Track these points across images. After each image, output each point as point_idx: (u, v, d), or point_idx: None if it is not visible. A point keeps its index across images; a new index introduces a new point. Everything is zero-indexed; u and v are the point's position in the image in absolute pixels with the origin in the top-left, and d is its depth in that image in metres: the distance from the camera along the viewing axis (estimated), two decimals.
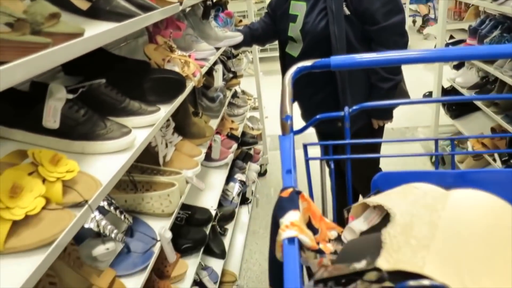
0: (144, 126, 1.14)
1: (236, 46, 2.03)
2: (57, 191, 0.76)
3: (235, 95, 2.71)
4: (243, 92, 2.86)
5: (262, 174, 3.14)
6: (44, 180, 0.76)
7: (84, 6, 1.07)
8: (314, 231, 0.60)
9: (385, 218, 0.65)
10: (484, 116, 2.64)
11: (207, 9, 1.83)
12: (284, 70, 1.82)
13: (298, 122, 1.86)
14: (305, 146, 0.84)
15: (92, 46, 0.82)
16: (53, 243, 0.70)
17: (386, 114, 1.74)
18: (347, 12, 1.54)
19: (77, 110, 0.98)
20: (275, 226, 0.52)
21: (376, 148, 1.84)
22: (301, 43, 1.66)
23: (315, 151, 0.90)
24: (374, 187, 0.80)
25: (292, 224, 0.48)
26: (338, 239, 0.63)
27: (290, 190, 0.56)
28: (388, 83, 1.63)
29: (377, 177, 0.81)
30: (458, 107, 2.80)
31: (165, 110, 1.23)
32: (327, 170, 0.90)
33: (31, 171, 0.76)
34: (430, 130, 3.20)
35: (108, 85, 1.11)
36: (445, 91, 3.11)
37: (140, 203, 1.21)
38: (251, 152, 2.72)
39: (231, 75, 2.25)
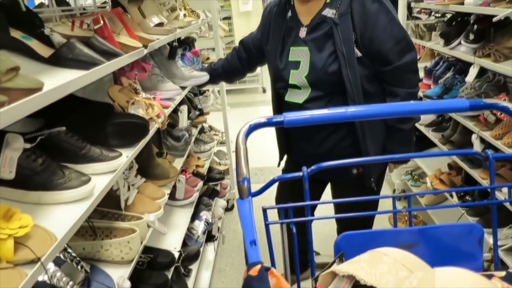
0: (105, 173, 1.13)
1: (202, 85, 2.06)
2: (8, 249, 0.74)
3: (202, 130, 2.72)
4: (211, 128, 2.89)
5: (229, 209, 3.13)
6: None
7: (46, 53, 1.08)
8: None
9: (355, 286, 0.65)
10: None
11: (173, 49, 1.86)
12: None
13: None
14: (264, 210, 0.83)
15: (51, 99, 0.82)
16: None
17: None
18: (359, 54, 1.47)
19: (35, 159, 0.96)
20: None
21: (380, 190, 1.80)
22: (307, 89, 1.55)
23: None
24: (337, 249, 0.81)
25: None
26: None
27: (259, 267, 0.53)
28: (408, 124, 1.57)
29: (339, 239, 0.82)
30: (417, 143, 2.91)
31: (127, 154, 1.22)
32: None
33: None
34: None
35: (69, 131, 1.10)
36: None
37: (99, 251, 1.19)
38: (218, 188, 2.71)
39: (197, 113, 2.27)
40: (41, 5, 1.95)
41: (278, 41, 1.61)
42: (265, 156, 4.11)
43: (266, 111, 5.40)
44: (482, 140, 2.01)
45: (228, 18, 6.30)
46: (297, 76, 1.55)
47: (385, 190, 3.32)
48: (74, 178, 0.98)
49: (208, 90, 2.68)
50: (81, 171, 1.06)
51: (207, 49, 4.77)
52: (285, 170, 1.88)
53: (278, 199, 1.95)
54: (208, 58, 2.69)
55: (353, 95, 1.46)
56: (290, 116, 0.95)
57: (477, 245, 0.90)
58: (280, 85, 1.65)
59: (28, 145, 0.94)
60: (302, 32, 1.55)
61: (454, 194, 2.36)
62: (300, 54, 1.56)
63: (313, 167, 0.90)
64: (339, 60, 1.46)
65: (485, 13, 1.88)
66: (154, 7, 1.99)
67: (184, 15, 2.28)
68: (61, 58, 1.05)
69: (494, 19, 1.70)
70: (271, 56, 1.66)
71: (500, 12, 1.69)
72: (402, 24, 1.54)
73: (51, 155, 1.03)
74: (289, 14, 1.60)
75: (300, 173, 0.88)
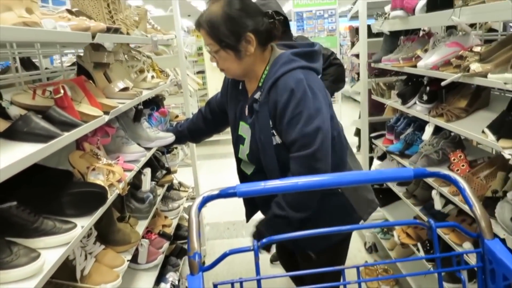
0: (58, 246, 1.11)
1: (169, 145, 2.08)
2: None
3: (171, 187, 2.70)
4: (180, 184, 2.87)
5: None
6: None
7: (3, 127, 1.08)
8: None
9: None
10: (407, 205, 2.82)
11: (138, 112, 1.89)
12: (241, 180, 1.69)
13: None
14: (215, 286, 0.84)
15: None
16: None
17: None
18: (279, 140, 1.45)
19: None
20: None
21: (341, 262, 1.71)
22: (252, 163, 1.59)
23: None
24: None
25: None
26: None
27: None
28: (281, 213, 1.42)
29: None
30: (384, 196, 2.97)
31: (83, 224, 1.20)
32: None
33: None
34: None
35: (21, 204, 1.08)
36: None
37: None
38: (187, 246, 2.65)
39: (164, 172, 2.27)
40: (7, 69, 1.97)
41: (234, 112, 1.63)
42: (238, 209, 4.09)
43: None
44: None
45: (202, 72, 6.49)
46: (243, 153, 1.59)
47: (356, 242, 3.34)
48: (22, 255, 0.96)
49: (176, 148, 2.70)
50: (32, 245, 1.04)
51: (181, 104, 4.85)
52: None
53: None
54: (177, 116, 2.74)
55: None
56: (243, 188, 0.97)
57: None
58: (236, 155, 1.68)
59: None
60: (247, 109, 1.55)
61: (420, 248, 2.39)
62: (245, 131, 1.57)
63: (264, 240, 0.91)
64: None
65: (435, 77, 2.00)
66: (122, 70, 2.04)
67: (152, 76, 2.34)
68: (16, 132, 1.06)
69: (442, 83, 1.82)
70: (230, 125, 1.69)
71: (448, 76, 1.81)
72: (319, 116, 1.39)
73: (0, 230, 1.01)
74: (240, 87, 1.62)
75: (251, 246, 0.90)
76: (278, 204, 1.43)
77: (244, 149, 1.58)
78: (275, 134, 1.44)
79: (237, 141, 1.62)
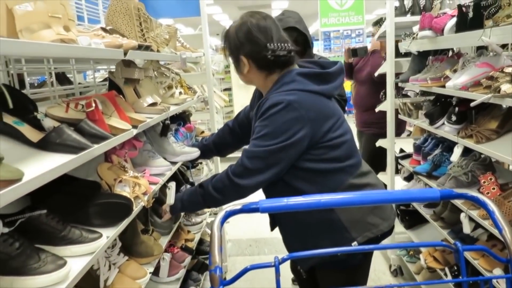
0: (83, 255, 1.13)
1: (194, 159, 2.11)
2: None
3: None
4: None
5: None
6: None
7: (37, 138, 1.13)
8: None
9: None
10: (434, 227, 2.74)
11: (165, 127, 1.93)
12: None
13: None
14: None
15: (31, 188, 0.86)
16: None
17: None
18: None
19: (12, 243, 0.97)
20: None
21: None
22: None
23: None
24: None
25: None
26: None
27: None
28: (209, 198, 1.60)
29: None
30: (410, 218, 2.90)
31: (108, 235, 1.23)
32: None
33: None
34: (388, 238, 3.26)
35: (50, 213, 1.12)
36: None
37: None
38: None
39: (188, 186, 2.29)
40: (43, 83, 2.06)
41: None
42: (261, 226, 4.07)
43: None
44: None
45: (228, 89, 6.58)
46: None
47: (381, 265, 3.25)
48: (49, 262, 0.99)
49: (201, 163, 2.73)
50: (58, 253, 1.06)
51: (207, 120, 4.92)
52: None
53: None
54: (202, 132, 2.77)
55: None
56: (265, 204, 0.98)
57: None
58: None
59: (6, 229, 0.96)
60: None
61: (448, 272, 2.31)
62: None
63: (285, 257, 0.91)
64: None
65: (464, 97, 1.97)
66: (152, 86, 2.11)
67: (180, 92, 2.39)
68: (49, 143, 1.10)
69: (472, 104, 1.78)
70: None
71: (478, 97, 1.77)
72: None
73: (29, 236, 1.04)
74: None
75: (272, 262, 0.90)
76: (209, 182, 1.60)
77: None
78: None
79: None
